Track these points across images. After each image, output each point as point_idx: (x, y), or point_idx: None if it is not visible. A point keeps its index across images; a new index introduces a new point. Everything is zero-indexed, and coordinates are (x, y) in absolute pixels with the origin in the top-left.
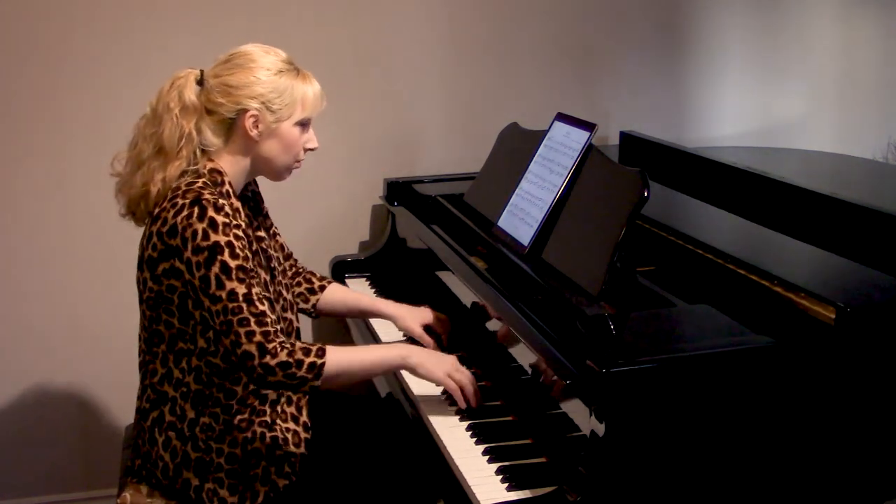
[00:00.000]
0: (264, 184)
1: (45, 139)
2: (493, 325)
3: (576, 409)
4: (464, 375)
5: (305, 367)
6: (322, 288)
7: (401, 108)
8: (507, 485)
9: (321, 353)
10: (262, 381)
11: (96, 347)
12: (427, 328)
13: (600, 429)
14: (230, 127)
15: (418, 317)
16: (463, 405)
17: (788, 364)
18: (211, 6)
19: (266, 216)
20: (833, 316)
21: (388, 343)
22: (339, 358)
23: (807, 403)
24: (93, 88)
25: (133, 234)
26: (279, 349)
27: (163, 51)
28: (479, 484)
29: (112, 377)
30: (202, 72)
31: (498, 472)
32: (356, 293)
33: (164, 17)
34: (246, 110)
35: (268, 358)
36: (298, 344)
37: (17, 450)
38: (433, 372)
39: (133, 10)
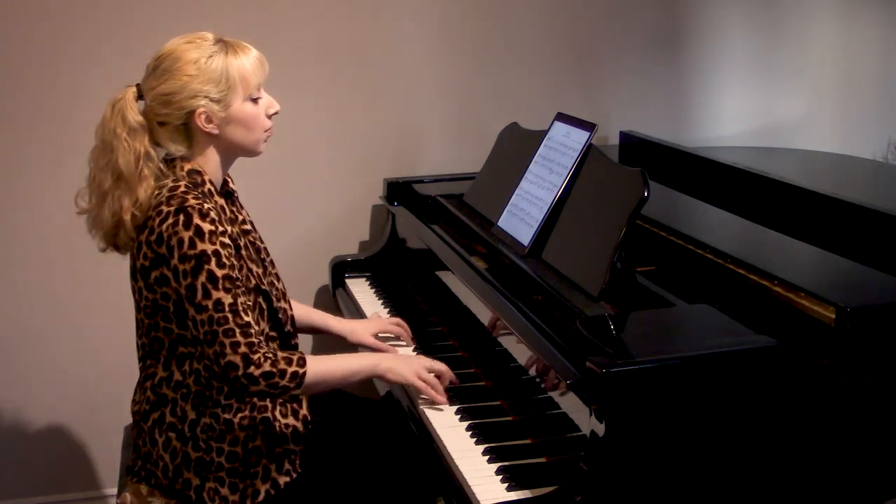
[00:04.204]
0: (264, 184)
1: (44, 142)
2: (493, 324)
3: (576, 409)
4: (433, 373)
5: (288, 376)
6: None
7: (400, 108)
8: (507, 485)
9: (302, 362)
10: (243, 390)
11: (96, 348)
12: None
13: (600, 429)
14: (187, 130)
15: (369, 328)
16: (440, 400)
17: (788, 364)
18: (211, 7)
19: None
20: (833, 316)
21: (361, 353)
22: (318, 367)
23: (807, 403)
24: (92, 90)
25: None
26: (263, 360)
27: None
28: (479, 484)
29: (112, 378)
30: (138, 86)
31: (498, 472)
32: (306, 308)
33: (157, 15)
34: (193, 111)
35: (252, 368)
36: (280, 354)
37: (17, 450)
38: (403, 375)
39: (129, 9)
